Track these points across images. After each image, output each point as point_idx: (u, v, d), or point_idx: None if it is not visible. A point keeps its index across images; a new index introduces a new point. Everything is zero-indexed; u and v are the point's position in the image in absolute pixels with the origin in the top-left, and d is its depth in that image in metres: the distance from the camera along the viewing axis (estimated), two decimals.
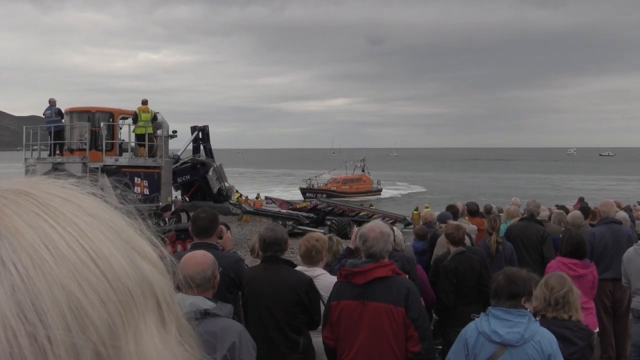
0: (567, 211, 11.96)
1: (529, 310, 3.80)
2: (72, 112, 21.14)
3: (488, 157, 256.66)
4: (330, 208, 32.48)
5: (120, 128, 21.63)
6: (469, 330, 3.90)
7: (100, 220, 0.60)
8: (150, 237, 0.66)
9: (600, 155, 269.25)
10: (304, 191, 60.11)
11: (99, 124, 20.38)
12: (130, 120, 21.24)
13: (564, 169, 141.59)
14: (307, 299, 4.64)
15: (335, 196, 57.88)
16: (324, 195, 57.33)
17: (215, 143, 27.26)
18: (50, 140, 20.54)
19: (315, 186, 63.25)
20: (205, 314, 3.21)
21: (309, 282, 4.72)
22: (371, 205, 40.82)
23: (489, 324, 3.77)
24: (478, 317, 3.92)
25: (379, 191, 68.71)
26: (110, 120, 20.78)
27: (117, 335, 0.55)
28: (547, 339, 3.69)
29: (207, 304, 3.27)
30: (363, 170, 69.90)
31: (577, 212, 10.01)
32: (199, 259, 3.47)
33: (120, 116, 21.38)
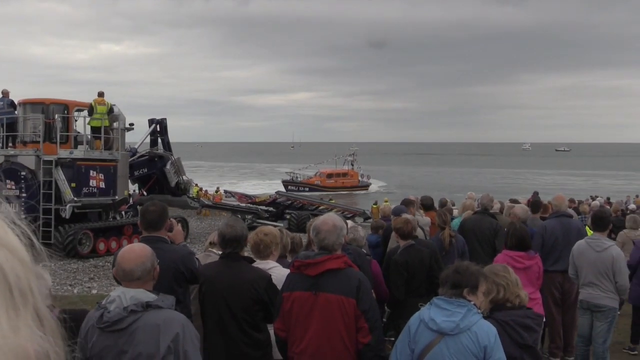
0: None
1: (472, 303, 3.87)
2: (25, 104, 20.71)
3: (446, 152, 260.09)
4: (289, 202, 32.54)
5: (76, 120, 21.28)
6: (413, 318, 3.99)
7: None
8: (21, 226, 0.66)
9: (557, 150, 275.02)
10: (286, 184, 60.35)
11: (53, 116, 20.01)
12: (85, 113, 20.90)
13: (518, 163, 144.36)
14: (266, 296, 4.64)
15: (318, 190, 59.15)
16: (306, 189, 58.33)
17: (175, 136, 27.15)
18: (3, 132, 20.09)
19: (299, 179, 63.41)
20: (147, 306, 3.20)
21: (268, 279, 4.71)
22: (331, 199, 40.98)
23: (429, 312, 3.85)
24: (425, 305, 3.99)
25: (366, 186, 68.47)
26: (65, 112, 20.42)
27: None
28: (484, 331, 3.76)
29: (148, 296, 3.26)
30: (352, 165, 69.93)
31: (523, 205, 10.23)
32: (138, 252, 3.45)
33: (76, 108, 21.03)
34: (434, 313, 3.82)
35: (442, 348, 3.73)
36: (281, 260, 5.60)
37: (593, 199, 29.45)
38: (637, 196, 38.45)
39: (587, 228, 9.55)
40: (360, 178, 68.41)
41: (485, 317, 4.17)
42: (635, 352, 8.97)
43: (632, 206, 26.80)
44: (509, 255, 6.70)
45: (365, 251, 7.32)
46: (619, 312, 7.88)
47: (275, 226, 6.72)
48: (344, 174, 67.14)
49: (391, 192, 62.27)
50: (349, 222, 7.06)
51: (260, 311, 4.68)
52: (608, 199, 33.30)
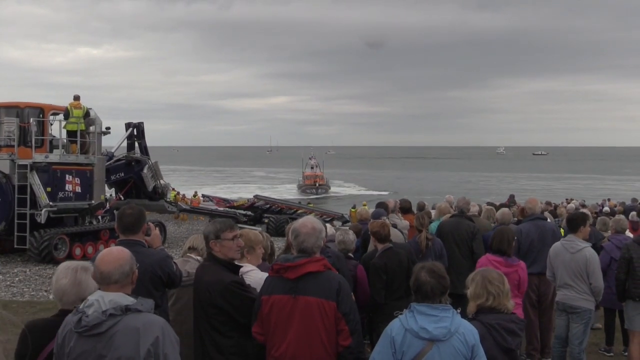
0: (497, 208, 12.34)
1: (448, 302, 3.88)
2: None
3: (423, 156, 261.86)
4: (267, 206, 32.51)
5: (51, 124, 21.06)
6: (395, 329, 3.86)
7: None
8: None
9: (534, 154, 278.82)
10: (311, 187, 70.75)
11: (28, 120, 19.78)
12: (61, 116, 20.70)
13: (495, 167, 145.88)
14: (220, 301, 4.48)
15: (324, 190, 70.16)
16: (321, 190, 69.91)
17: (152, 140, 26.92)
18: None
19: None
20: (127, 310, 3.17)
21: (224, 285, 4.49)
22: (309, 203, 41.04)
23: (416, 321, 3.77)
24: (401, 313, 3.92)
25: (328, 187, 76.35)
26: (40, 115, 20.20)
27: None
28: (469, 330, 3.77)
29: (127, 300, 3.23)
30: (312, 168, 77.32)
31: (506, 209, 10.31)
32: (116, 255, 3.41)
33: (51, 112, 20.80)
34: (421, 321, 3.75)
35: (435, 355, 3.69)
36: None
37: (568, 202, 29.90)
38: (609, 199, 39.13)
39: (561, 230, 9.66)
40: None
41: (470, 319, 4.18)
42: (611, 354, 9.09)
43: (606, 209, 27.22)
44: (490, 259, 6.74)
45: (351, 255, 7.34)
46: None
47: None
48: (322, 177, 75.19)
49: (367, 195, 63.10)
50: (335, 225, 7.09)
51: (217, 315, 4.51)
52: (584, 201, 33.79)
